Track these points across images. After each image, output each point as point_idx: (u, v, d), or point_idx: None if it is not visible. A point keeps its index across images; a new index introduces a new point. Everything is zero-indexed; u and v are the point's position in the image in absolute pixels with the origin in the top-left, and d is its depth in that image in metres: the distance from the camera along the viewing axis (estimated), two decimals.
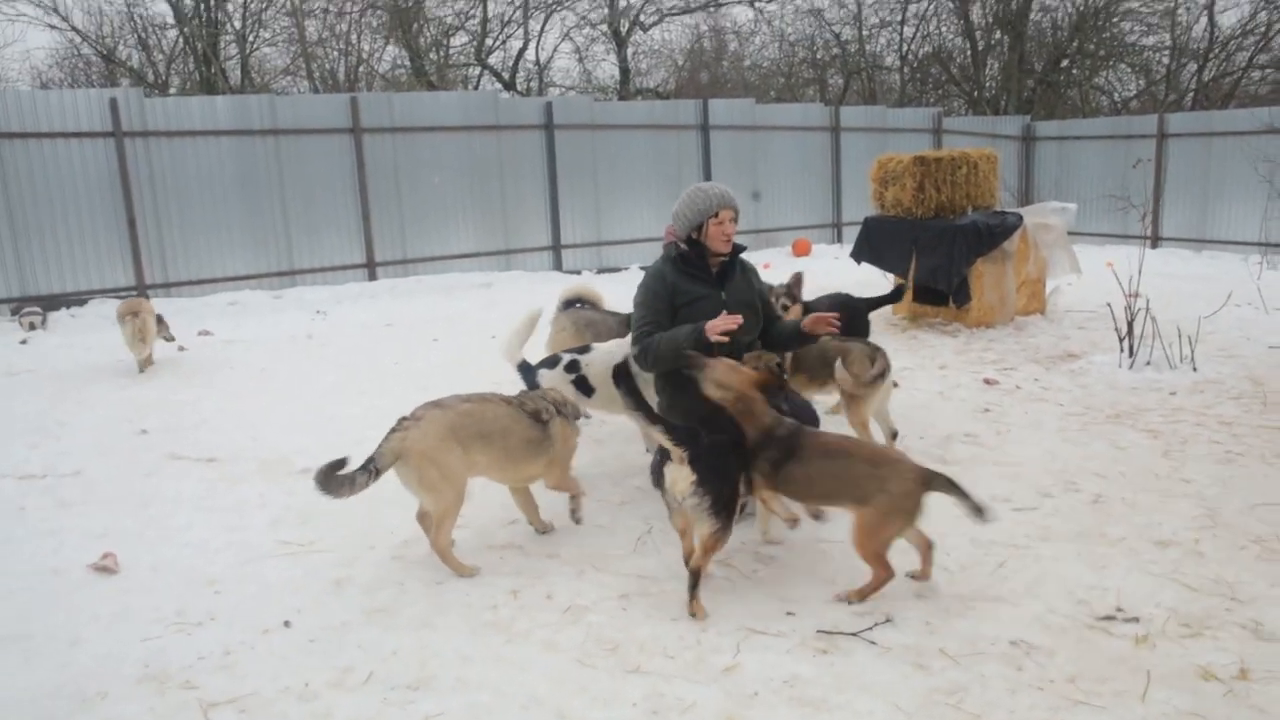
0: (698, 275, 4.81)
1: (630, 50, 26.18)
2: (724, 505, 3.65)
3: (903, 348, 8.79)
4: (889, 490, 3.68)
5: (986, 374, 7.67)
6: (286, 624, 3.71)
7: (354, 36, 25.42)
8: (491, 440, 4.13)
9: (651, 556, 4.26)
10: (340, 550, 4.42)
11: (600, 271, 15.06)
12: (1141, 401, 6.77)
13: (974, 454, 5.64)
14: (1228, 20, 24.33)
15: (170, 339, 9.20)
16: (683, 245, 4.87)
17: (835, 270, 13.85)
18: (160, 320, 8.77)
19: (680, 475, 3.63)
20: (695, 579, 3.69)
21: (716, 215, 4.73)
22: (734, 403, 3.96)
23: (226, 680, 3.31)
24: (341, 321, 11.23)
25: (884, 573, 3.74)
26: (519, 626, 3.63)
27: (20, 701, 3.23)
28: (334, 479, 3.79)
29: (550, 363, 5.50)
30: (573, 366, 5.41)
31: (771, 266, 15.25)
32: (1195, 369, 7.43)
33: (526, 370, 5.48)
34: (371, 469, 3.86)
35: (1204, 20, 24.03)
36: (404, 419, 4.07)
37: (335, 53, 25.72)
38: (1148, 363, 7.59)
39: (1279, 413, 6.38)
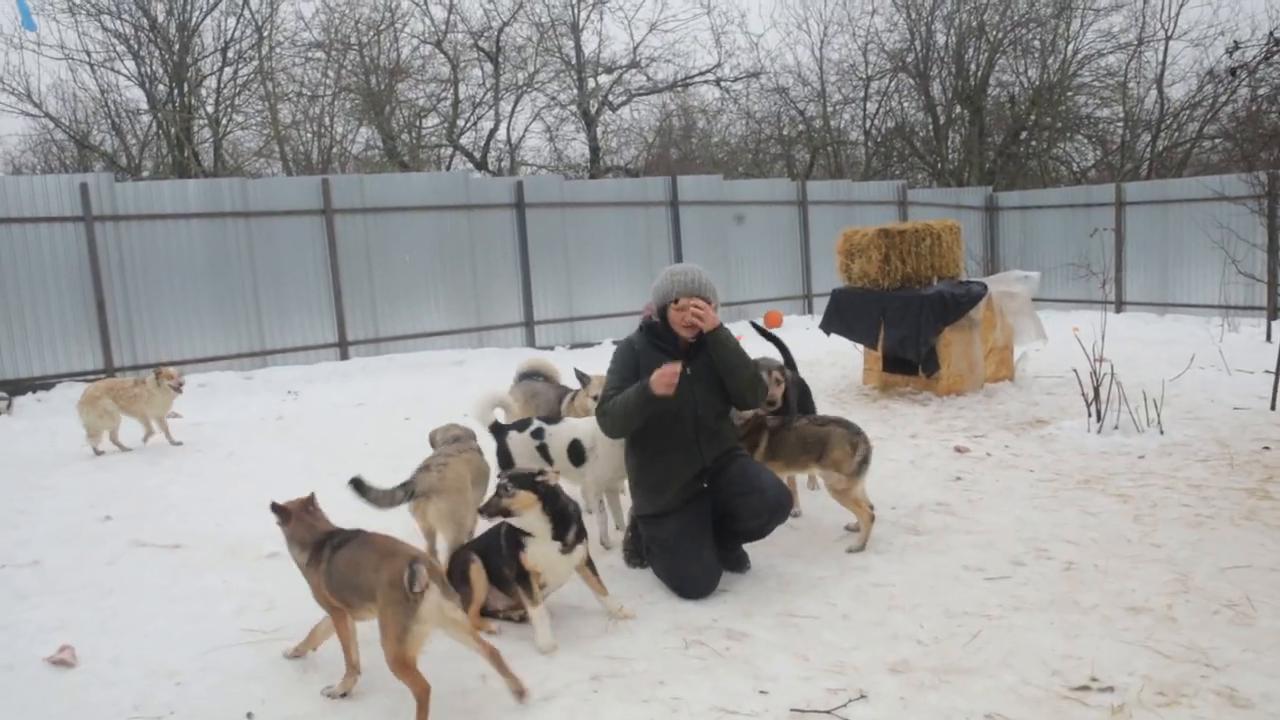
0: (665, 349, 4.83)
1: (600, 129, 26.61)
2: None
3: (874, 417, 8.83)
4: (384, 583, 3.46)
5: (957, 442, 7.70)
6: (249, 716, 3.61)
7: (327, 119, 25.77)
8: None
9: (624, 636, 4.19)
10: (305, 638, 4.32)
11: (573, 347, 15.12)
12: (1110, 466, 6.82)
13: (946, 523, 5.63)
14: (1177, 93, 25.14)
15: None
16: (656, 319, 4.92)
17: (807, 341, 13.97)
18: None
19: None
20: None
21: (677, 302, 4.76)
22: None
23: None
24: (313, 402, 11.16)
25: (415, 687, 3.39)
26: (488, 713, 3.56)
27: None
28: (375, 489, 4.38)
29: (520, 426, 5.72)
30: (538, 434, 5.62)
31: (744, 339, 15.37)
32: (1162, 432, 7.51)
33: (498, 431, 5.71)
34: (409, 490, 4.62)
35: (1154, 93, 24.81)
36: (431, 460, 4.93)
37: (309, 135, 26.02)
38: (1115, 427, 7.65)
39: (1246, 474, 6.44)
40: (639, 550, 5.07)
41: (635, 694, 3.64)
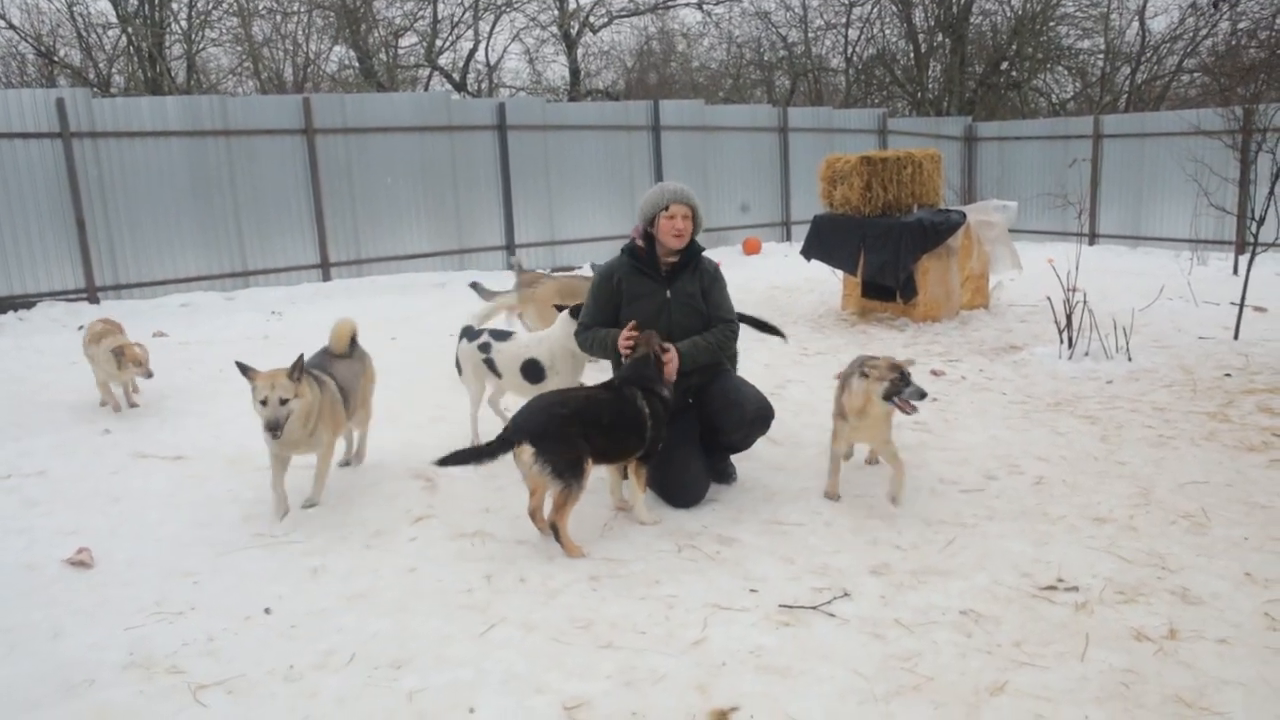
0: (646, 272, 4.99)
1: (580, 51, 26.33)
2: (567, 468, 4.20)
3: (852, 342, 9.06)
4: None
5: (934, 365, 7.95)
6: (267, 611, 3.81)
7: (301, 36, 25.30)
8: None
9: (619, 540, 4.43)
10: (314, 542, 4.52)
11: (555, 269, 15.20)
12: (1080, 390, 7.09)
13: (922, 440, 5.89)
14: (1158, 25, 25.17)
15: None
16: (639, 241, 5.06)
17: (785, 268, 14.15)
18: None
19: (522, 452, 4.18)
20: (556, 533, 4.23)
21: (667, 209, 4.92)
22: None
23: (212, 664, 3.42)
24: (297, 322, 11.23)
25: None
26: (495, 608, 3.78)
27: (5, 691, 3.30)
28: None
29: (469, 334, 5.91)
30: (484, 348, 5.82)
31: (722, 265, 15.51)
32: (1130, 359, 7.78)
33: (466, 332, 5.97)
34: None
35: (1136, 25, 24.81)
36: None
37: (282, 53, 25.55)
38: (1086, 353, 7.93)
39: (1208, 399, 6.72)
40: None
41: (632, 592, 3.88)
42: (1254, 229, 9.11)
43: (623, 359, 4.82)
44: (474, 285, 7.93)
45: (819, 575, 3.99)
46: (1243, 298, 8.92)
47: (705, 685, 3.19)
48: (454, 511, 4.84)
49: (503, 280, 11.67)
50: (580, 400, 4.46)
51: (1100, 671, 3.21)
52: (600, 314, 5.02)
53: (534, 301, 6.99)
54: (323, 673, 3.36)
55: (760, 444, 5.39)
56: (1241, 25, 21.89)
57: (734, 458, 5.22)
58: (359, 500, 5.02)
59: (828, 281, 12.22)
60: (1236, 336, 8.66)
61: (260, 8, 23.63)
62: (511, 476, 4.72)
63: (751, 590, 3.86)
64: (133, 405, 7.25)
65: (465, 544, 4.44)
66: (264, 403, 4.62)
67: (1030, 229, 18.32)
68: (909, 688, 3.14)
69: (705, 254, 5.21)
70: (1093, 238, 17.86)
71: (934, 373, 7.71)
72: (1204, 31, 23.17)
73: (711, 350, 4.95)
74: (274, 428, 4.59)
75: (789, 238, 18.57)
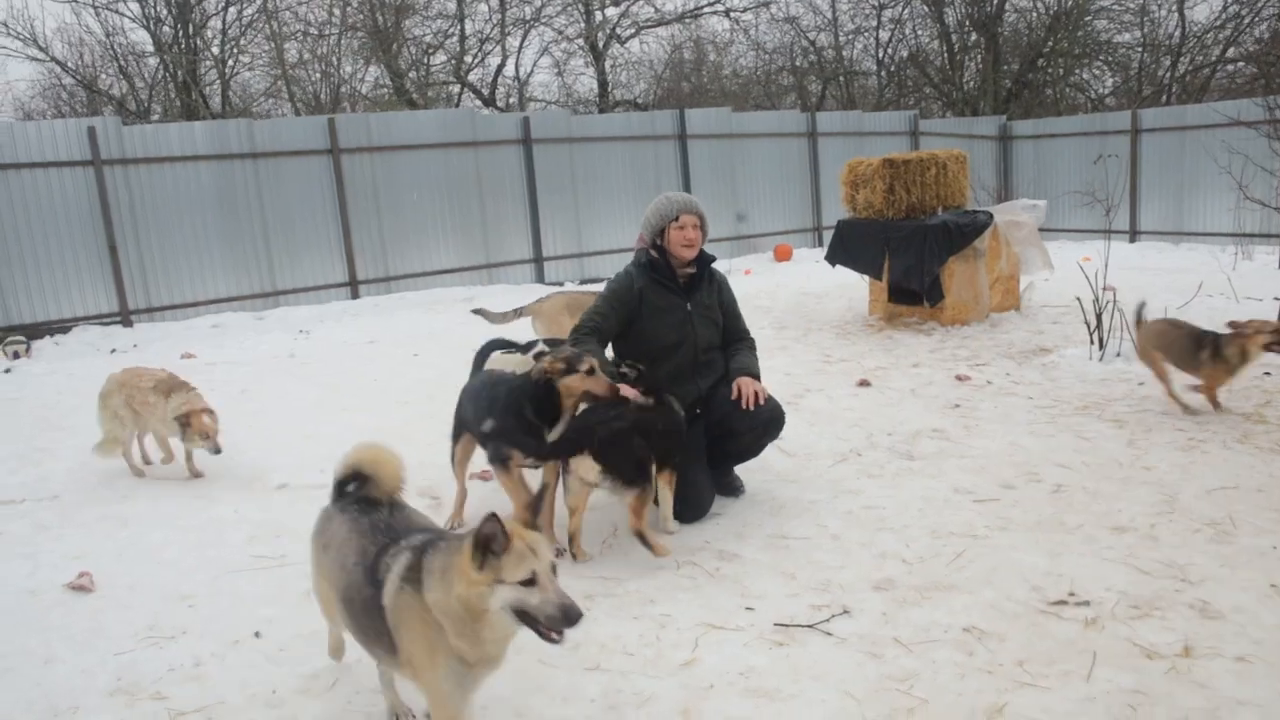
0: (666, 284, 4.89)
1: (609, 63, 26.35)
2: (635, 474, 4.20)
3: (878, 347, 8.89)
4: None
5: (959, 370, 7.76)
6: (257, 634, 3.77)
7: (334, 58, 25.59)
8: None
9: (618, 558, 4.33)
10: None
11: (582, 282, 15.17)
12: (1109, 392, 6.87)
13: (941, 448, 5.72)
14: (1200, 14, 24.59)
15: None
16: (653, 252, 4.95)
17: (815, 274, 13.99)
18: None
19: (585, 465, 4.18)
20: (643, 540, 4.23)
21: (677, 219, 4.83)
22: None
23: (195, 690, 3.38)
24: (324, 340, 11.29)
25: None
26: None
27: None
28: None
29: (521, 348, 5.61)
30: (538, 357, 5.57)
31: (753, 272, 15.40)
32: None
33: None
34: None
35: (1176, 16, 24.27)
36: None
37: (316, 75, 25.87)
38: (1117, 354, 7.70)
39: (1244, 399, 6.49)
40: None
41: (626, 611, 3.78)
42: None
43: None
44: (478, 311, 7.82)
45: (820, 592, 3.86)
46: None
47: (690, 709, 3.08)
48: (460, 530, 4.78)
49: (525, 296, 11.66)
50: (634, 412, 4.37)
51: (1106, 692, 3.06)
52: (613, 318, 4.84)
53: (541, 315, 6.94)
54: (305, 698, 3.31)
55: (771, 454, 5.28)
56: None
57: (743, 471, 5.10)
58: None
59: (857, 287, 12.04)
60: None
61: (293, 31, 23.98)
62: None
63: (748, 609, 3.74)
64: (196, 475, 6.07)
65: None
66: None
67: (1069, 228, 17.97)
68: (902, 710, 3.01)
69: (715, 263, 5.14)
70: (1134, 235, 17.47)
71: (959, 377, 7.53)
72: (1248, 19, 22.61)
73: (758, 365, 5.04)
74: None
75: (819, 243, 18.36)
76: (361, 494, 3.04)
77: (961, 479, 5.15)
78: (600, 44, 25.56)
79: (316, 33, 24.48)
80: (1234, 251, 13.99)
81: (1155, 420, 6.11)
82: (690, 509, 4.63)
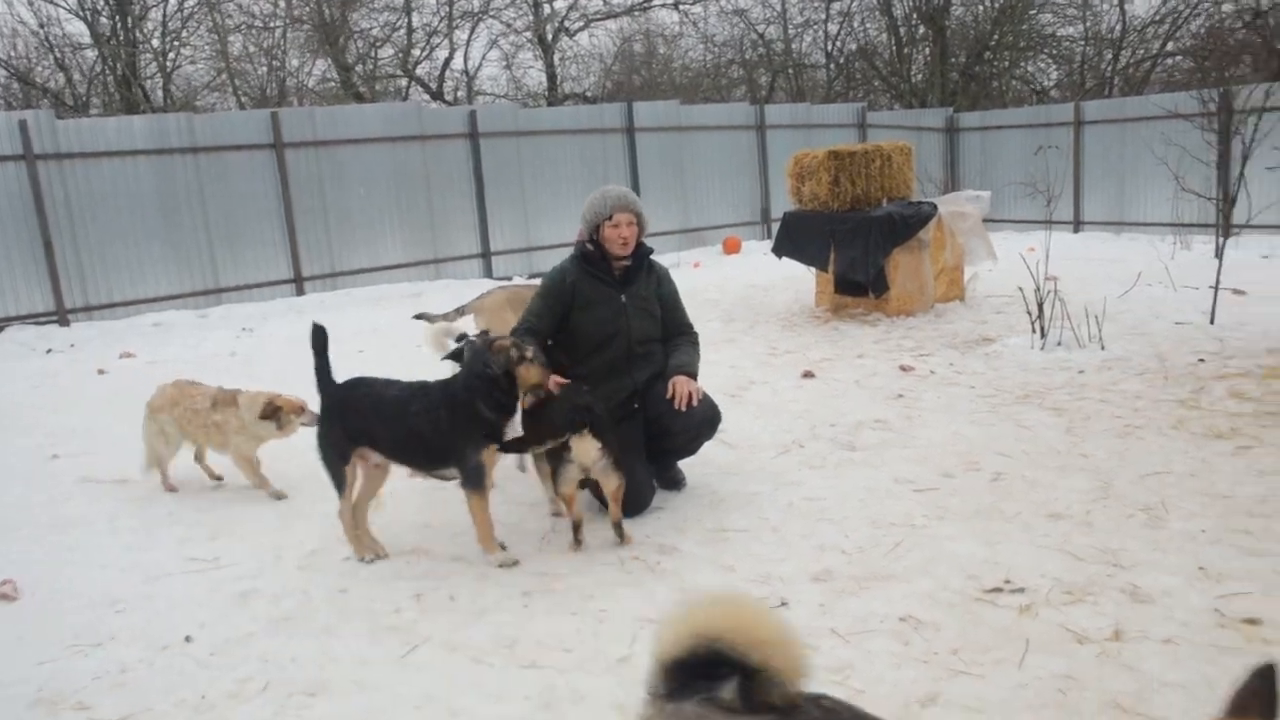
0: (600, 276, 4.86)
1: (557, 56, 26.23)
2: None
3: (823, 339, 8.93)
4: None
5: (903, 361, 7.82)
6: (187, 639, 3.69)
7: (280, 51, 25.21)
8: None
9: (557, 554, 4.30)
10: (247, 564, 4.40)
11: (531, 277, 15.06)
12: (1050, 381, 6.96)
13: (883, 439, 5.76)
14: (1140, 8, 25.05)
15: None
16: (589, 245, 4.92)
17: (764, 266, 14.04)
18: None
19: (586, 445, 4.13)
20: (620, 532, 4.32)
21: (611, 217, 4.78)
22: None
23: (120, 698, 3.29)
24: (268, 338, 11.12)
25: None
26: (420, 629, 3.65)
27: None
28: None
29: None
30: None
31: (702, 265, 15.42)
32: (1103, 347, 7.65)
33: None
34: None
35: (1117, 10, 24.70)
36: None
37: (263, 68, 25.47)
38: (1059, 343, 7.79)
39: (1180, 386, 6.59)
40: None
41: (564, 608, 3.75)
42: (1222, 209, 8.98)
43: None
44: (420, 316, 7.55)
45: (759, 584, 3.86)
46: (1217, 280, 8.78)
47: (625, 705, 3.05)
48: (394, 526, 4.71)
49: (472, 291, 11.56)
50: (605, 396, 4.43)
51: (1038, 678, 3.08)
52: (547, 316, 4.82)
53: (482, 312, 6.86)
54: (235, 702, 3.23)
55: (713, 448, 5.27)
56: (1225, 7, 21.82)
57: (685, 464, 5.09)
58: (297, 520, 4.89)
59: (804, 279, 12.08)
60: (1213, 320, 8.53)
61: (237, 24, 23.57)
62: (455, 493, 4.56)
63: None
64: (217, 479, 5.72)
65: (400, 562, 4.31)
66: None
67: (1013, 218, 18.20)
68: None
69: (654, 256, 5.10)
70: (1077, 225, 17.74)
71: (903, 368, 7.59)
72: (1185, 13, 23.05)
73: (696, 362, 4.98)
74: None
75: (768, 235, 18.37)
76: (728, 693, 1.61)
77: (902, 469, 5.18)
78: (549, 37, 25.44)
79: (261, 25, 24.12)
80: (1173, 241, 14.25)
81: (1094, 408, 6.19)
82: (630, 504, 4.60)
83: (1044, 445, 5.50)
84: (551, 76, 25.88)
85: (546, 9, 25.35)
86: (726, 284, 12.94)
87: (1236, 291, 9.62)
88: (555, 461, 4.32)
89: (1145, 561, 3.87)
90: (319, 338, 4.50)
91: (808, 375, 7.51)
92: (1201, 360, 7.26)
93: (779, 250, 10.77)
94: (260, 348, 10.50)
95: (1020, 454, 5.36)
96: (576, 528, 4.33)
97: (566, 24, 26.01)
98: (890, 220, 9.57)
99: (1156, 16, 23.88)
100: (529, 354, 4.25)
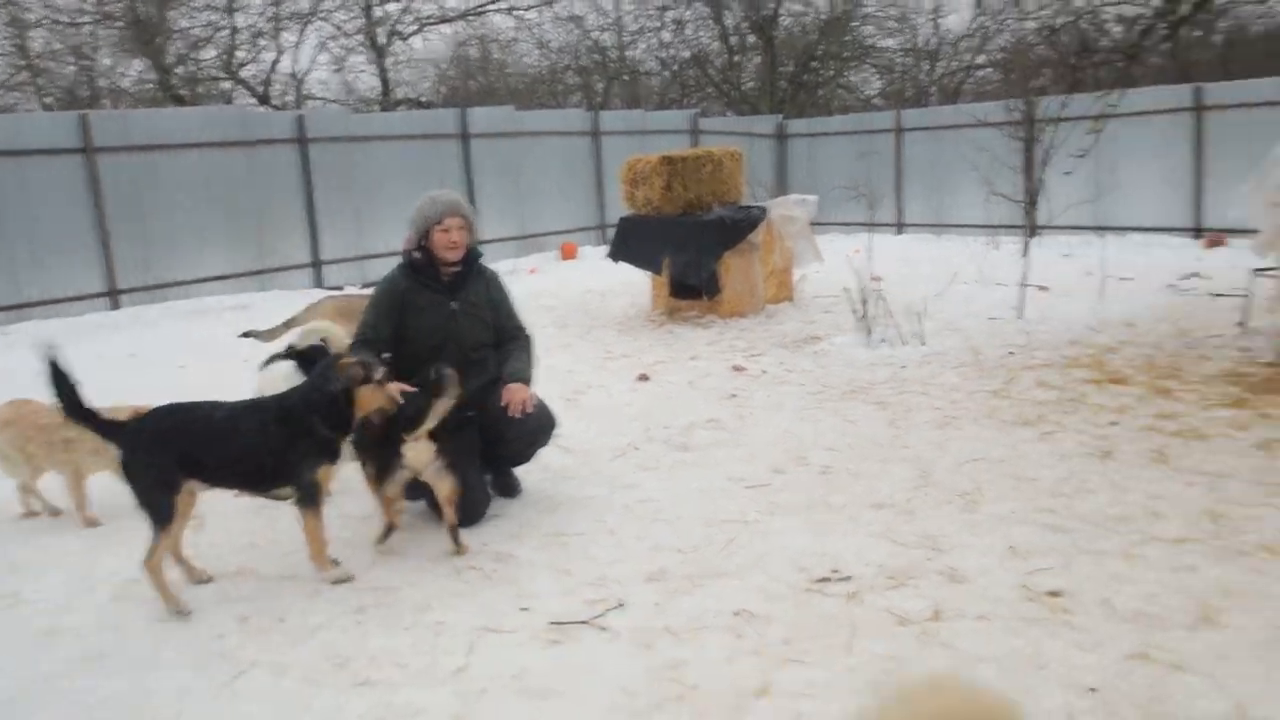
0: (429, 284, 4.78)
1: (390, 61, 25.69)
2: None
3: (658, 342, 9.06)
4: None
5: (736, 361, 8.01)
6: None
7: (90, 50, 23.73)
8: None
9: (391, 566, 4.19)
10: (54, 598, 4.10)
11: (364, 286, 14.67)
12: (874, 376, 7.26)
13: (715, 439, 5.87)
14: (956, 23, 26.60)
15: None
16: (415, 254, 4.83)
17: (600, 272, 14.11)
18: None
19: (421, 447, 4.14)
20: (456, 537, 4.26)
21: (440, 222, 4.71)
22: None
23: None
24: (78, 355, 10.36)
25: None
26: (246, 652, 3.50)
27: None
28: None
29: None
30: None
31: (538, 271, 15.38)
32: (924, 343, 8.04)
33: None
34: None
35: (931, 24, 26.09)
36: None
37: (70, 67, 23.93)
38: (883, 340, 8.15)
39: (992, 378, 7.00)
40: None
41: (398, 622, 3.66)
42: (1027, 210, 9.59)
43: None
44: (248, 334, 7.20)
45: (595, 587, 3.87)
46: (1024, 278, 9.37)
47: (462, 716, 3.01)
48: (218, 547, 4.50)
49: (301, 301, 11.16)
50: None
51: (865, 661, 3.20)
52: (382, 326, 4.72)
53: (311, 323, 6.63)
54: None
55: (550, 453, 5.26)
56: (1029, 24, 23.30)
57: (521, 469, 5.06)
58: (112, 547, 4.61)
59: (641, 284, 12.20)
60: (1021, 315, 9.09)
61: (38, 18, 22.05)
62: (283, 509, 4.39)
63: (523, 609, 3.70)
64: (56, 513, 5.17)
65: (226, 584, 4.11)
66: None
67: (839, 221, 18.87)
68: (672, 698, 3.05)
69: (483, 260, 5.04)
70: (900, 227, 18.58)
71: (736, 368, 7.77)
72: (992, 29, 24.52)
73: (530, 368, 4.88)
74: None
75: (605, 241, 18.50)
76: None
77: (734, 467, 5.30)
78: (381, 40, 24.88)
79: (67, 20, 22.62)
80: (985, 241, 15.10)
81: (915, 401, 6.50)
82: (466, 514, 4.53)
83: (869, 438, 5.73)
84: (385, 81, 25.32)
85: (379, 12, 24.79)
86: (563, 290, 12.96)
87: (1041, 288, 10.28)
88: (380, 463, 4.21)
89: (961, 544, 4.09)
90: (58, 375, 4.14)
91: (643, 378, 7.59)
92: (1011, 353, 7.73)
93: (615, 255, 10.85)
94: (69, 365, 9.82)
95: (846, 448, 5.57)
96: (388, 530, 4.35)
97: (399, 28, 25.51)
98: (722, 224, 9.79)
99: (968, 30, 25.35)
100: (377, 376, 4.09)
